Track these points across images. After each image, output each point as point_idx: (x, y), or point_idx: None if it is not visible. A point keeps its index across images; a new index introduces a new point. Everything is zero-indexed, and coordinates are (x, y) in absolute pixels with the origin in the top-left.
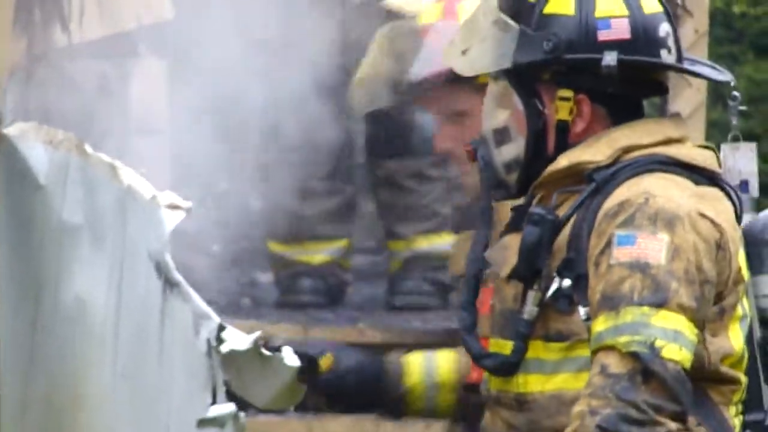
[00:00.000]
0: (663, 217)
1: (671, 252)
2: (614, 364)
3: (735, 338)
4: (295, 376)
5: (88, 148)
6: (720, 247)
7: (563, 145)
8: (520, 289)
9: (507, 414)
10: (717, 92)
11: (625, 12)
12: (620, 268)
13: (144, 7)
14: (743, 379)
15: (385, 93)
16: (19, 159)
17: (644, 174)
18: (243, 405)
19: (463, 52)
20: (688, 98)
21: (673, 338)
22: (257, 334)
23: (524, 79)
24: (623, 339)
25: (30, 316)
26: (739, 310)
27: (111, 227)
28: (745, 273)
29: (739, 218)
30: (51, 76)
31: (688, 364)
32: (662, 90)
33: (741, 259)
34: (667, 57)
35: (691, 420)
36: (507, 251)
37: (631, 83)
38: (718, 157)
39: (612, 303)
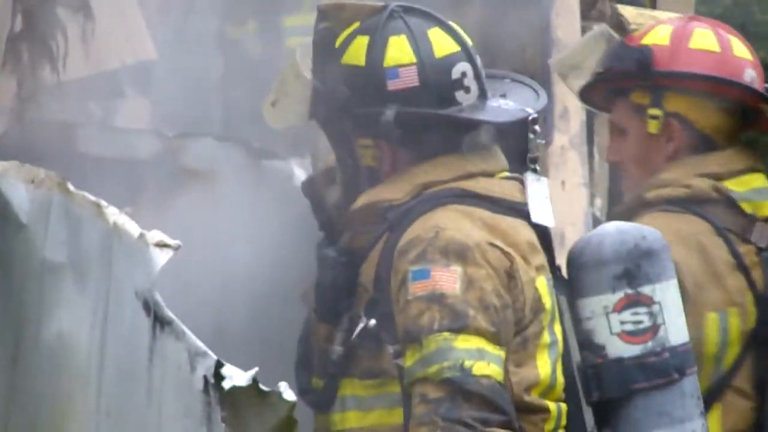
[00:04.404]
0: (453, 249)
1: (465, 282)
2: (431, 391)
3: (543, 367)
4: (292, 411)
5: (71, 187)
6: (510, 275)
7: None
8: (331, 328)
9: None
10: None
11: (413, 59)
12: (417, 301)
13: (127, 47)
14: (553, 407)
15: None
16: None
17: (437, 208)
18: None
19: (273, 104)
20: None
21: (478, 356)
22: (255, 369)
23: (331, 129)
24: (433, 369)
25: (10, 354)
26: (546, 338)
27: (95, 265)
28: (547, 300)
29: (549, 246)
30: (39, 115)
31: (500, 377)
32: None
33: (541, 286)
34: (464, 97)
35: None
36: None
37: (427, 126)
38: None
39: (414, 335)
